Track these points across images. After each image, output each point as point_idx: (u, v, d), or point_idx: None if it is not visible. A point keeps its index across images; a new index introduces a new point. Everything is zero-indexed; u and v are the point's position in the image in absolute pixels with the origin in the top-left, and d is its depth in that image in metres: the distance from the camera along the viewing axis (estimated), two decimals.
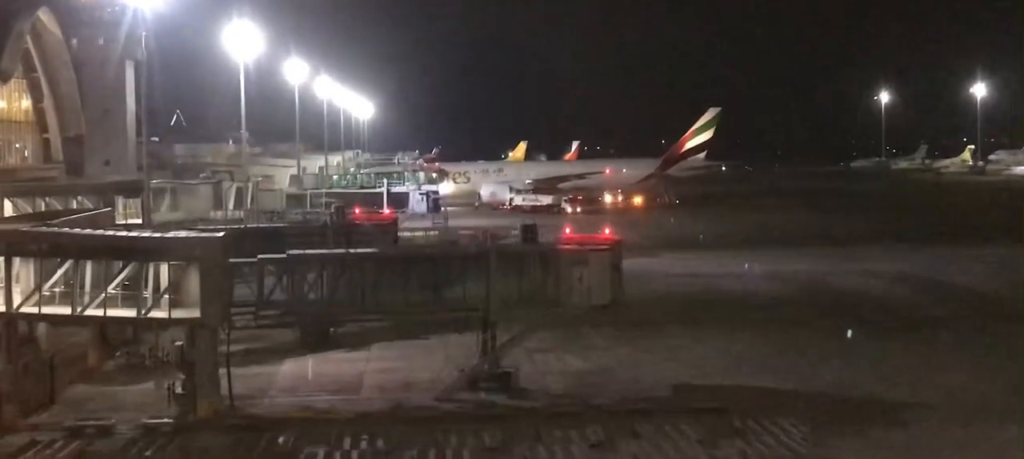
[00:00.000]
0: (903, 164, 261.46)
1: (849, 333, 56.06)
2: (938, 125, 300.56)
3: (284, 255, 44.40)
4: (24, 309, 40.67)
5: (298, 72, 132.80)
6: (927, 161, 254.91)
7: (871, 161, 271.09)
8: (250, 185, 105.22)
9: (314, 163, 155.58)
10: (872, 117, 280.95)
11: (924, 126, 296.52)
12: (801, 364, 49.14)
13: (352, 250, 46.57)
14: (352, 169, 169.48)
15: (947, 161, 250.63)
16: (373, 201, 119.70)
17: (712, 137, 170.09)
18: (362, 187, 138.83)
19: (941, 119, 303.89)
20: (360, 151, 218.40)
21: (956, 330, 57.21)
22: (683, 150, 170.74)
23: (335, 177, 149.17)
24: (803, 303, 67.07)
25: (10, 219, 62.36)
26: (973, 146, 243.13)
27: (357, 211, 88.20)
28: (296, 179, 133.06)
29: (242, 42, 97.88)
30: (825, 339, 54.51)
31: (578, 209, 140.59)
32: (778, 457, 35.52)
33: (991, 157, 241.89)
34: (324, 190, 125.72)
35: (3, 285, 40.34)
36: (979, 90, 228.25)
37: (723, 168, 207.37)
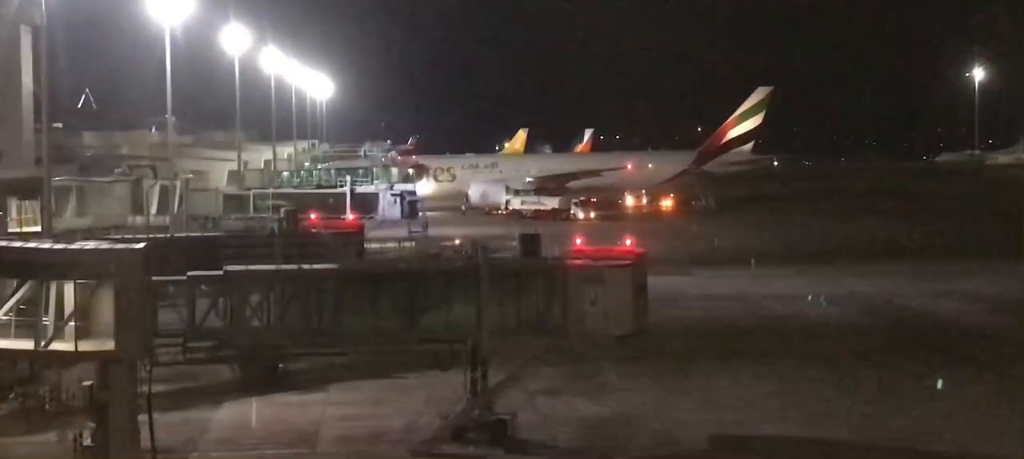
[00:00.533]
0: (1002, 159, 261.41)
1: (938, 382, 56.09)
2: None
3: (221, 272, 44.42)
4: None
5: (239, 42, 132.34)
6: None
7: (961, 155, 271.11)
8: (178, 184, 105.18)
9: (259, 156, 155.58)
10: (963, 100, 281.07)
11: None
12: (870, 410, 49.18)
13: (306, 265, 46.61)
14: (307, 164, 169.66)
15: None
16: (334, 204, 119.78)
17: (761, 124, 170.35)
18: (319, 186, 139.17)
19: None
20: (317, 141, 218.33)
21: None
22: (725, 140, 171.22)
23: (286, 174, 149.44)
24: (873, 333, 67.08)
25: None
26: None
27: (313, 217, 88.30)
28: (236, 176, 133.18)
29: (169, 3, 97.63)
30: (901, 378, 54.55)
31: (592, 214, 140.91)
32: None
33: None
34: (272, 190, 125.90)
35: None
36: None
37: (775, 163, 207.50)
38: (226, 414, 49.45)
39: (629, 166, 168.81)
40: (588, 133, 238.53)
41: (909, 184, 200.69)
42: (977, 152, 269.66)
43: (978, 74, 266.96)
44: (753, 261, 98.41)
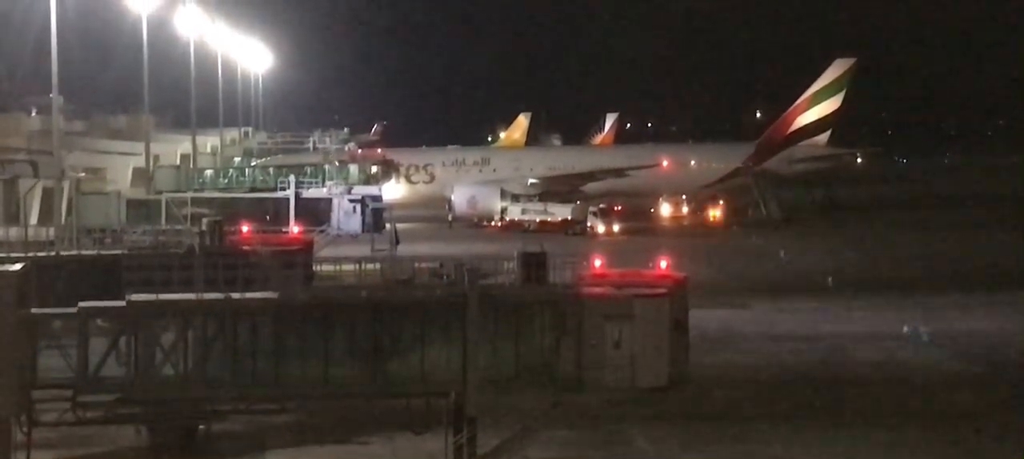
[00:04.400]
0: None
1: None
2: None
3: (123, 302, 44.56)
4: None
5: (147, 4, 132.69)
6: None
7: None
8: (66, 185, 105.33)
9: (174, 149, 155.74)
10: None
11: None
12: None
13: (236, 294, 46.74)
14: (238, 160, 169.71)
15: None
16: (273, 213, 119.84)
17: (841, 107, 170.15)
18: (254, 189, 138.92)
19: None
20: (252, 130, 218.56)
21: None
22: (792, 129, 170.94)
23: (210, 173, 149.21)
24: (987, 385, 67.23)
25: None
26: None
27: (246, 230, 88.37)
28: (144, 175, 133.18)
29: None
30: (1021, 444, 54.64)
31: (616, 227, 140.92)
32: None
33: None
34: (190, 194, 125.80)
35: None
36: None
37: (858, 158, 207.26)
38: None
39: (665, 163, 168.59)
40: (611, 120, 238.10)
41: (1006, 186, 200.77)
42: None
43: None
44: (831, 289, 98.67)
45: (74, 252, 74.23)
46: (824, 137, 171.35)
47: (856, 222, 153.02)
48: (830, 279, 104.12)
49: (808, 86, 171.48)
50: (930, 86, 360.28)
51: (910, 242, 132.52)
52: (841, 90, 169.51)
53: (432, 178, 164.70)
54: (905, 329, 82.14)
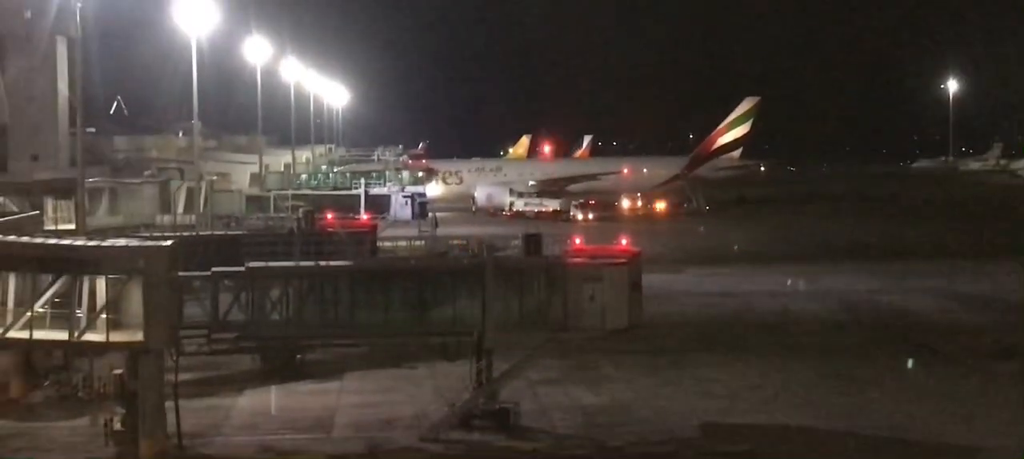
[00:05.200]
0: (974, 165, 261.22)
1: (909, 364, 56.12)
2: (1019, 120, 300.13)
3: (243, 268, 44.42)
4: None
5: (261, 52, 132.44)
6: (1003, 161, 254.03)
7: (936, 161, 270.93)
8: (203, 185, 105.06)
9: (279, 159, 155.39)
10: (939, 110, 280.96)
11: (1000, 121, 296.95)
12: (848, 399, 49.21)
13: (323, 262, 46.57)
14: (324, 167, 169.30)
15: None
16: (348, 205, 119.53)
17: (748, 131, 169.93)
18: (335, 188, 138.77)
19: (1020, 112, 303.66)
20: (334, 146, 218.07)
21: None
22: (714, 147, 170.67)
23: (304, 176, 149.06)
24: (851, 327, 67.16)
25: None
26: None
27: (329, 216, 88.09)
28: (257, 178, 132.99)
29: (195, 16, 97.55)
30: (876, 370, 54.49)
31: (590, 216, 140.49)
32: None
33: None
34: (291, 191, 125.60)
35: None
36: None
37: (762, 168, 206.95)
38: (247, 401, 49.53)
39: (625, 171, 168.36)
40: (587, 139, 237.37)
41: (887, 188, 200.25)
42: (951, 158, 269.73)
43: (952, 86, 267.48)
44: (741, 259, 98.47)
45: (208, 232, 74.16)
46: (737, 153, 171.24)
47: (759, 213, 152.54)
48: (737, 250, 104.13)
49: (726, 116, 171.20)
50: (812, 115, 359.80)
51: (797, 227, 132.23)
52: (750, 119, 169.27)
53: (461, 181, 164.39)
54: (788, 282, 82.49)
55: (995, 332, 64.24)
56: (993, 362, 56.76)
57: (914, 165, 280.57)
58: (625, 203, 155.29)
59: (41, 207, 73.01)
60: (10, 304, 40.89)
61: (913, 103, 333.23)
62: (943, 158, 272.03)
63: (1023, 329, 65.26)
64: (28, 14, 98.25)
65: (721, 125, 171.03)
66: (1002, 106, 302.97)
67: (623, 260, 45.67)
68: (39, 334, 40.99)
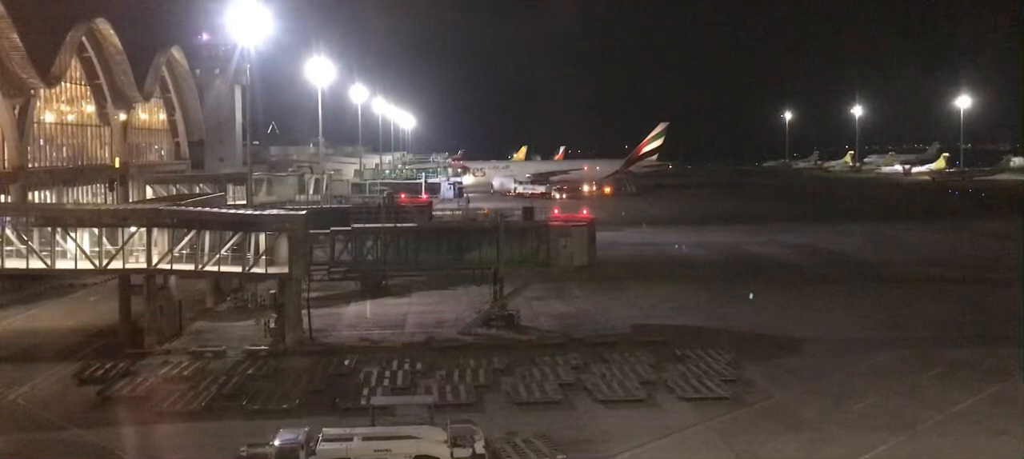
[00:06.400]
0: (801, 164, 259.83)
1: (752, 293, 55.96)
2: (827, 135, 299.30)
3: (349, 228, 44.38)
4: (161, 266, 40.74)
5: (360, 93, 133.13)
6: (819, 162, 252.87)
7: (777, 162, 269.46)
8: (325, 176, 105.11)
9: (371, 160, 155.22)
10: (778, 128, 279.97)
11: (815, 135, 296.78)
12: (726, 309, 49.12)
13: (399, 224, 46.50)
14: (399, 166, 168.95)
15: (834, 162, 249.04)
16: (415, 189, 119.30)
17: (662, 143, 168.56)
18: (406, 178, 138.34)
19: (829, 131, 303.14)
20: (405, 152, 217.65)
21: (834, 283, 57.10)
22: (640, 153, 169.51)
23: (387, 171, 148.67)
24: (727, 264, 66.83)
25: (151, 200, 62.49)
26: (853, 151, 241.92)
27: (403, 196, 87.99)
28: (358, 172, 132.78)
29: (320, 72, 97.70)
30: (741, 291, 54.35)
31: (564, 196, 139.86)
32: (706, 375, 35.54)
33: (866, 159, 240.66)
34: (379, 181, 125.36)
35: (146, 248, 40.43)
36: (857, 110, 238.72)
37: (669, 166, 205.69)
38: (352, 310, 49.48)
39: (585, 168, 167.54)
40: (561, 148, 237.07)
41: (748, 179, 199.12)
42: (786, 160, 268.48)
43: (787, 115, 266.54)
44: (657, 221, 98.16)
45: (328, 206, 74.06)
46: (655, 157, 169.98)
47: (669, 195, 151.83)
48: (656, 220, 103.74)
49: (647, 133, 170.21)
50: (703, 130, 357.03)
51: (692, 203, 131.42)
52: (663, 136, 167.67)
53: (483, 174, 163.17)
54: (686, 237, 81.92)
55: (815, 268, 64.22)
56: (814, 285, 56.76)
57: (764, 164, 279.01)
58: (585, 188, 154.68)
59: (224, 190, 73.08)
60: (206, 250, 40.84)
61: (764, 123, 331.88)
62: (781, 160, 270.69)
63: (833, 266, 65.61)
64: (217, 71, 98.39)
65: (645, 139, 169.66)
66: (822, 126, 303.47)
67: (584, 223, 45.57)
68: (224, 268, 41.00)
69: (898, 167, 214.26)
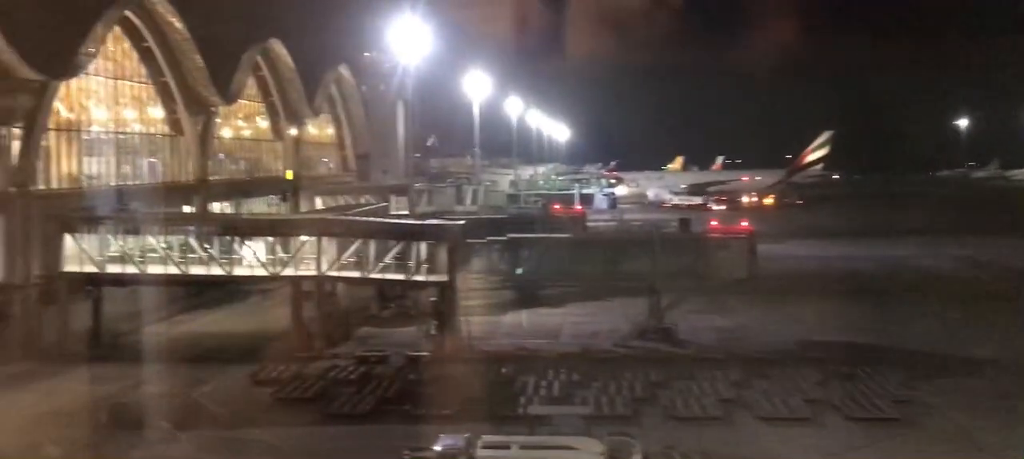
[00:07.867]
0: (980, 174, 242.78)
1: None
2: (1007, 143, 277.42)
3: (505, 238, 45.09)
4: (329, 273, 42.62)
5: (515, 107, 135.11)
6: (999, 171, 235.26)
7: (953, 172, 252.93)
8: (481, 187, 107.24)
9: (526, 172, 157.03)
10: (954, 137, 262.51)
11: (995, 143, 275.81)
12: (896, 328, 46.49)
13: (554, 234, 46.82)
14: (553, 177, 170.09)
15: (1017, 171, 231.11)
16: (568, 200, 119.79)
17: (827, 153, 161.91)
18: (560, 190, 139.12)
19: (1009, 137, 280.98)
20: (558, 163, 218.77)
21: (1018, 302, 52.87)
22: (803, 163, 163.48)
23: (541, 182, 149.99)
24: (898, 279, 63.16)
25: (320, 211, 65.72)
26: None
27: (557, 207, 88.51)
28: (513, 183, 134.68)
29: (476, 87, 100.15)
30: (914, 307, 51.38)
31: (722, 207, 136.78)
32: (876, 395, 33.75)
33: None
34: (533, 192, 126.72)
35: (316, 256, 42.42)
36: None
37: (834, 177, 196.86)
38: (508, 318, 49.82)
39: (745, 178, 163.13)
40: (719, 159, 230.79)
41: (921, 189, 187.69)
42: (964, 170, 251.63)
43: (963, 122, 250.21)
44: (822, 234, 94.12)
45: (485, 216, 75.45)
46: (819, 166, 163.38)
47: (836, 206, 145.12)
48: (821, 232, 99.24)
49: (810, 143, 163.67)
50: (872, 141, 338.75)
51: (861, 215, 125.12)
52: (828, 145, 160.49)
53: (638, 185, 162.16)
54: (852, 250, 78.00)
55: (995, 285, 59.79)
56: (995, 303, 52.85)
57: (938, 174, 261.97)
58: (744, 199, 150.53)
59: (388, 200, 75.72)
60: (371, 258, 42.31)
61: (937, 132, 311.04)
62: (958, 169, 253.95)
63: (1014, 283, 60.79)
64: (382, 87, 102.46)
65: (807, 149, 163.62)
66: (998, 133, 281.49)
67: (743, 234, 44.52)
68: (388, 275, 42.41)
69: None
